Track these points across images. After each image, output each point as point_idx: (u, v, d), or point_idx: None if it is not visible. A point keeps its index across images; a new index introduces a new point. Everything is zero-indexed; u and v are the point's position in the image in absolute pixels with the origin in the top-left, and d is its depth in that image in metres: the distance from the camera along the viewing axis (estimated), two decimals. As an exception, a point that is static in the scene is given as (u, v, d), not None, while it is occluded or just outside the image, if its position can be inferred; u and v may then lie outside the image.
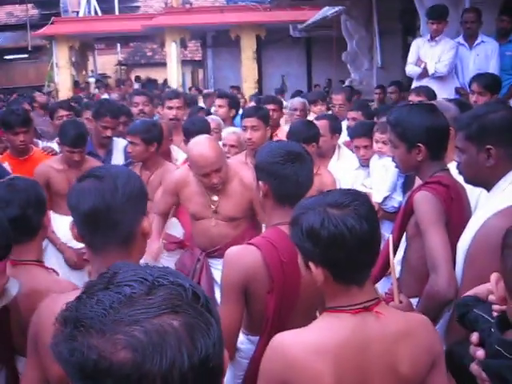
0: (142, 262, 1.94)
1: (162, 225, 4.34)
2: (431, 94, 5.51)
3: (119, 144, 5.59)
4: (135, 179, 1.93)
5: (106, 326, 0.88)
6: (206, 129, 4.96)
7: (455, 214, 2.68)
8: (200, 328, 0.91)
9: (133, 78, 24.39)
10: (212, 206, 3.83)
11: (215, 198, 3.81)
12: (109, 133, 5.46)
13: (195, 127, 4.97)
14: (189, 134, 4.79)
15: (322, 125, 4.87)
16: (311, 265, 1.83)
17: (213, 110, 7.41)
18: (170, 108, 5.95)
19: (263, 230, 3.47)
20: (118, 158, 5.44)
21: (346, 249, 1.76)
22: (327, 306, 1.87)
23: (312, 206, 1.84)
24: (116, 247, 1.82)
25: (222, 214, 3.82)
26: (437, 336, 1.98)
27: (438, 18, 6.91)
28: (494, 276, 1.65)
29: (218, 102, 6.89)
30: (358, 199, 1.84)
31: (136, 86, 19.07)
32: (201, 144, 3.71)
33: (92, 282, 0.98)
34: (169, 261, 4.54)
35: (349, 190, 2.05)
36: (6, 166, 4.81)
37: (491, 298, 1.78)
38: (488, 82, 5.50)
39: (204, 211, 3.86)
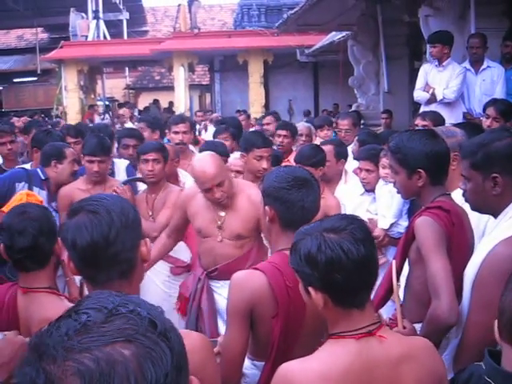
0: None
1: (169, 247, 4.30)
2: (438, 119, 5.50)
3: (120, 164, 5.71)
4: (127, 204, 1.86)
5: (58, 352, 0.88)
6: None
7: (457, 239, 2.68)
8: (152, 358, 0.90)
9: (143, 100, 24.30)
10: (218, 222, 3.84)
11: (222, 213, 3.83)
12: None
13: None
14: None
15: (326, 150, 4.88)
16: (311, 290, 1.85)
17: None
18: (177, 133, 6.06)
19: (268, 252, 3.47)
20: (120, 179, 5.45)
21: (343, 272, 1.79)
22: (330, 332, 1.88)
23: (309, 232, 1.88)
24: (117, 280, 1.76)
25: (228, 230, 3.82)
26: (440, 359, 1.99)
27: (434, 42, 6.93)
28: None
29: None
30: (354, 223, 1.87)
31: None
32: (202, 160, 3.80)
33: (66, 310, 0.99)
34: (175, 284, 4.56)
35: (345, 214, 2.10)
36: None
37: None
38: (505, 109, 5.49)
39: (210, 227, 3.87)
